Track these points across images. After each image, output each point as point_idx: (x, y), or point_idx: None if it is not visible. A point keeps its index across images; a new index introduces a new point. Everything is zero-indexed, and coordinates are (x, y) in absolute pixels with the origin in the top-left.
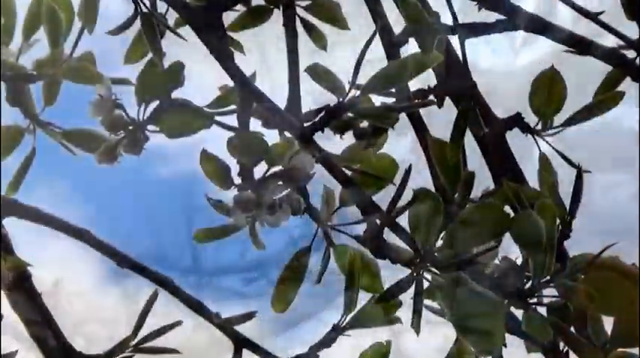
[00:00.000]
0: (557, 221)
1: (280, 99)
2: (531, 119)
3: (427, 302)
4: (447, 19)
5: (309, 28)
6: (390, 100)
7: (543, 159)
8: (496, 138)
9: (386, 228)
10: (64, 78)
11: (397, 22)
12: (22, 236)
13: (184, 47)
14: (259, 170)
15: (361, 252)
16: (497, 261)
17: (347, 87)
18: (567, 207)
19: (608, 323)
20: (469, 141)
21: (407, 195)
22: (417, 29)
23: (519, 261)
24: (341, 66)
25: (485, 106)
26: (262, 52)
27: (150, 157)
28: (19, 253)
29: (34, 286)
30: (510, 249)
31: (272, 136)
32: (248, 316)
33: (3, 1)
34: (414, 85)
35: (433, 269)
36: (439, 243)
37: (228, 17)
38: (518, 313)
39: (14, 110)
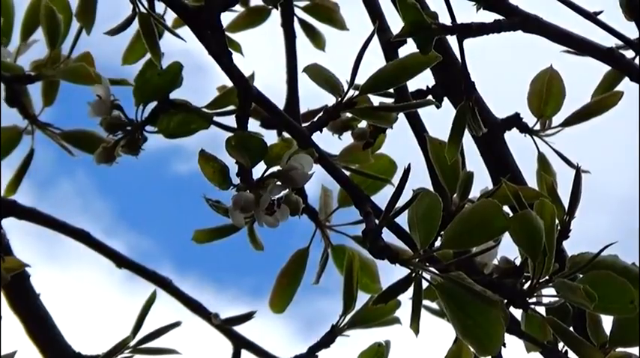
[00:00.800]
0: (556, 221)
1: (279, 100)
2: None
3: (426, 302)
4: (445, 19)
5: (308, 29)
6: (389, 100)
7: (542, 159)
8: (495, 138)
9: (385, 228)
10: (62, 79)
11: (395, 22)
12: None
13: None
14: (258, 170)
15: (359, 252)
16: (496, 261)
17: (345, 87)
18: (566, 207)
19: (607, 322)
20: (468, 141)
21: (406, 195)
22: (415, 29)
23: (518, 261)
24: (339, 66)
25: (484, 106)
26: (261, 52)
27: None
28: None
29: (33, 286)
30: (509, 249)
31: (270, 137)
32: (247, 316)
33: (2, 2)
34: (412, 85)
35: (432, 269)
36: (438, 242)
37: (227, 18)
38: (518, 313)
39: (13, 111)
